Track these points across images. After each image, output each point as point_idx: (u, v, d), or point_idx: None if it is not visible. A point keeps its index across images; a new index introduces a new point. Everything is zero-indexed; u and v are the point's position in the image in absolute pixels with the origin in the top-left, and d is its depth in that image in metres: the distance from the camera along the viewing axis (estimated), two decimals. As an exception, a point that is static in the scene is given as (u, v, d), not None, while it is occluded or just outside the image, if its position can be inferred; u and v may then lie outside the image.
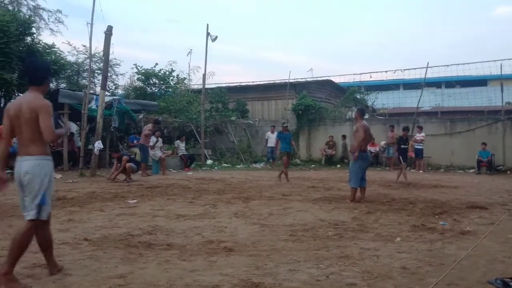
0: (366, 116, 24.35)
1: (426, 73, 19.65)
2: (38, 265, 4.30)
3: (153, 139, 16.32)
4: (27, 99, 3.94)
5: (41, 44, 17.25)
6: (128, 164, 12.42)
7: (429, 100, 25.96)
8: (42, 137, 3.83)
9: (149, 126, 15.50)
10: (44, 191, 3.88)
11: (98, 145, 13.55)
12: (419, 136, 17.21)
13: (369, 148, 19.22)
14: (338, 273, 4.18)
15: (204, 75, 20.42)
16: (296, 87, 22.71)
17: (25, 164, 3.85)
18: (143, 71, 24.45)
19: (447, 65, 20.86)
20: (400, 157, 13.36)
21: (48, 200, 3.95)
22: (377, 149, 19.42)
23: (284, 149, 13.26)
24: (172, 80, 25.12)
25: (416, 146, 17.19)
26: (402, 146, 13.73)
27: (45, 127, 3.79)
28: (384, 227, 6.38)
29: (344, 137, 20.06)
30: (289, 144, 13.41)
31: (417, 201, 8.80)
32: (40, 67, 4.16)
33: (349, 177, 9.06)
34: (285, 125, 14.10)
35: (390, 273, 4.18)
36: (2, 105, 16.89)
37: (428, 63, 19.54)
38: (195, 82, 26.46)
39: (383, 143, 18.62)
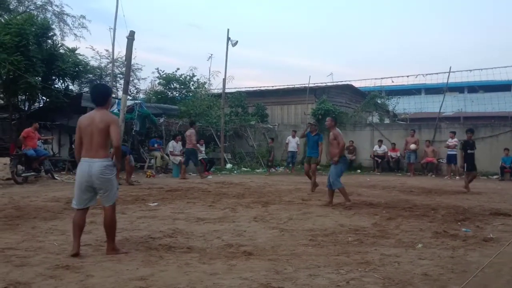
0: (387, 121, 24.27)
1: (448, 77, 19.41)
2: (61, 266, 4.36)
3: (173, 143, 16.48)
4: (98, 115, 4.87)
5: (63, 48, 17.52)
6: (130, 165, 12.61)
7: (451, 105, 25.58)
8: (108, 144, 4.83)
9: (192, 130, 15.71)
10: (112, 182, 4.91)
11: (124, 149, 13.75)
12: (451, 141, 16.92)
13: (390, 153, 19.19)
14: (358, 278, 4.15)
15: (224, 79, 20.54)
16: (315, 91, 22.66)
17: (95, 165, 4.75)
18: (164, 75, 24.73)
19: (470, 70, 20.41)
20: (465, 164, 12.18)
21: (116, 195, 5.02)
22: (398, 155, 19.23)
23: (308, 154, 11.88)
24: (192, 84, 25.33)
25: (448, 152, 16.93)
26: (469, 151, 12.18)
27: (115, 135, 4.80)
28: (406, 233, 6.31)
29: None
30: (315, 148, 11.47)
31: (439, 207, 8.68)
32: (102, 92, 5.20)
33: (328, 182, 9.13)
34: (313, 124, 12.01)
35: (412, 280, 4.13)
36: (26, 108, 17.28)
37: (450, 67, 19.37)
38: (215, 87, 26.66)
39: (413, 146, 18.29)
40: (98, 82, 20.67)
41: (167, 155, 16.66)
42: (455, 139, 16.89)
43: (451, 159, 16.89)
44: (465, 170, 12.33)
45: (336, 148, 9.11)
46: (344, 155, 9.40)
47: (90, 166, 4.74)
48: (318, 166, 15.76)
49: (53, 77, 16.75)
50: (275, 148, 20.35)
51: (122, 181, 11.86)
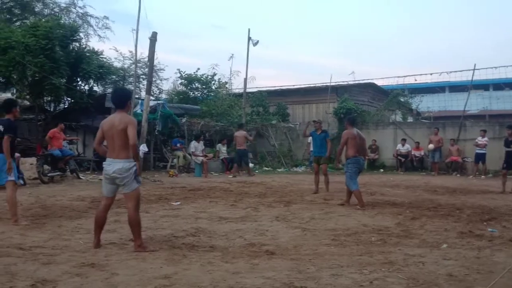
0: (410, 120, 23.95)
1: (473, 75, 19.05)
2: (86, 264, 4.44)
3: (195, 143, 16.60)
4: (118, 117, 5.17)
5: (89, 50, 17.79)
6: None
7: (476, 103, 25.06)
8: (127, 145, 5.06)
9: (242, 132, 16.56)
10: (133, 181, 5.14)
11: (143, 148, 13.84)
12: (481, 140, 16.57)
13: (413, 152, 18.94)
14: (382, 279, 4.11)
15: (245, 79, 20.58)
16: (337, 90, 22.49)
17: (117, 165, 5.06)
18: (186, 76, 24.91)
19: (495, 67, 20.00)
20: (505, 164, 11.76)
21: (135, 186, 5.19)
22: (422, 153, 18.94)
23: (315, 153, 11.63)
24: (213, 84, 25.45)
25: (477, 151, 16.60)
26: (507, 149, 11.71)
27: (131, 135, 5.02)
28: (430, 233, 6.23)
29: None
30: (322, 146, 11.12)
31: (464, 207, 8.54)
32: (122, 95, 5.50)
33: (346, 182, 8.97)
34: (318, 122, 11.71)
35: (436, 280, 4.08)
36: (52, 109, 17.62)
37: (475, 65, 18.97)
38: (236, 86, 26.71)
39: (430, 146, 18.05)
40: (121, 83, 20.98)
41: (189, 154, 16.78)
42: (486, 138, 16.54)
43: (480, 158, 16.54)
44: (503, 168, 11.87)
45: (348, 148, 8.92)
46: (356, 156, 8.91)
47: (112, 166, 5.10)
48: (341, 166, 15.51)
49: (78, 79, 17.02)
50: (296, 147, 20.32)
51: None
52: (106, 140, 5.27)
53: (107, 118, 5.40)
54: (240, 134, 16.59)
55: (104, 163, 5.25)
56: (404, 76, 21.67)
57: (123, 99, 5.39)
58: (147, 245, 5.21)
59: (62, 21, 17.52)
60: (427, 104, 25.52)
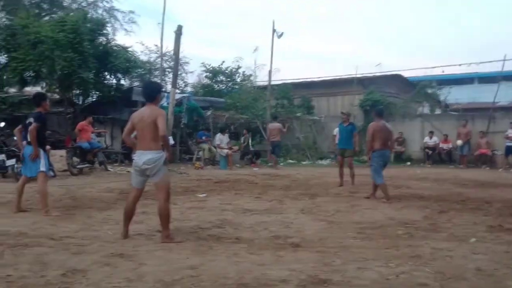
0: (438, 112, 23.50)
1: (503, 65, 18.60)
2: (115, 255, 4.54)
3: (220, 136, 16.69)
4: (148, 110, 5.26)
5: (116, 44, 18.02)
6: None
7: (506, 94, 24.35)
8: (157, 136, 5.12)
9: (276, 124, 17.03)
10: (163, 171, 5.23)
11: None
12: (511, 132, 16.23)
13: (441, 145, 18.61)
14: (408, 272, 4.08)
15: (270, 71, 20.51)
16: (363, 82, 22.25)
17: (146, 156, 5.13)
18: (210, 68, 25.00)
19: (527, 57, 19.43)
20: None
21: (165, 171, 5.28)
22: (450, 146, 18.60)
23: (340, 145, 11.37)
24: (238, 77, 25.48)
25: (507, 144, 16.24)
26: None
27: (161, 126, 5.07)
28: (458, 227, 6.13)
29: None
30: (348, 139, 11.04)
31: (493, 201, 8.36)
32: (152, 89, 5.58)
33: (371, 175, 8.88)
34: (345, 114, 11.49)
35: (464, 274, 4.02)
36: (80, 102, 17.95)
37: (505, 55, 18.48)
38: (261, 79, 26.67)
39: (459, 142, 17.72)
40: (148, 77, 21.21)
41: (215, 147, 16.89)
42: None
43: (510, 150, 16.16)
44: None
45: (374, 141, 8.79)
46: (381, 148, 8.75)
47: (142, 157, 5.17)
48: (366, 158, 15.28)
49: (106, 73, 17.27)
50: (321, 140, 20.21)
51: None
52: (136, 132, 5.35)
53: (137, 111, 5.52)
54: (273, 126, 16.91)
55: (133, 155, 5.35)
56: (432, 67, 21.29)
57: (153, 92, 5.48)
58: (174, 236, 5.27)
59: (88, 15, 17.72)
60: (455, 96, 24.98)
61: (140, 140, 5.28)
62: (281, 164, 18.12)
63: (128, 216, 5.38)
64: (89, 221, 6.32)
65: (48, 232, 5.57)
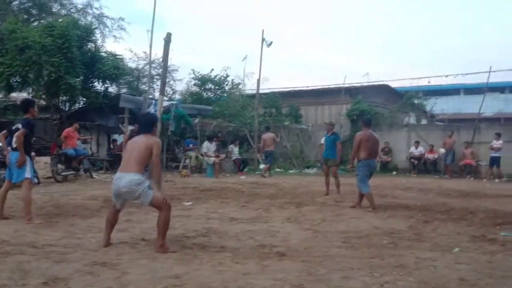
0: (424, 122, 23.74)
1: (488, 77, 18.85)
2: (98, 263, 4.48)
3: (207, 144, 16.65)
4: (144, 137, 5.28)
5: (105, 51, 17.94)
6: None
7: (491, 105, 24.78)
8: (144, 162, 5.16)
9: (270, 134, 17.18)
10: (150, 195, 5.09)
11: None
12: (496, 143, 16.40)
13: (427, 155, 18.78)
14: (392, 282, 4.09)
15: (259, 80, 20.58)
16: (351, 92, 22.39)
17: (127, 177, 5.03)
18: (199, 76, 25.01)
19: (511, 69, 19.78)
20: None
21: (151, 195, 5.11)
22: (436, 156, 18.78)
23: (324, 155, 11.33)
24: (227, 85, 25.52)
25: (492, 154, 16.42)
26: None
27: (155, 153, 5.12)
28: (442, 236, 6.18)
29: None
30: (332, 148, 11.03)
31: (477, 211, 8.43)
32: (149, 120, 5.62)
33: (357, 184, 8.93)
34: (329, 124, 11.49)
35: (448, 284, 4.04)
36: (67, 109, 17.79)
37: (491, 67, 18.73)
38: (249, 87, 26.72)
39: (442, 150, 17.93)
40: (135, 84, 21.15)
41: (202, 155, 16.85)
42: (500, 141, 16.35)
43: (494, 161, 16.35)
44: None
45: (360, 151, 8.83)
46: (367, 158, 8.79)
47: (121, 180, 5.07)
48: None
49: (93, 79, 17.17)
50: (308, 149, 20.27)
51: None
52: (125, 151, 5.38)
53: (133, 138, 5.57)
54: (268, 136, 17.05)
55: (114, 178, 5.27)
56: (419, 78, 21.45)
57: (149, 123, 5.51)
58: (169, 246, 5.20)
59: (78, 22, 17.61)
60: (441, 106, 25.30)
61: (125, 161, 5.22)
62: (268, 172, 18.10)
63: (111, 224, 5.34)
64: (72, 229, 6.25)
65: (30, 240, 5.49)
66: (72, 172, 12.98)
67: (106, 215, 5.45)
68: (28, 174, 6.75)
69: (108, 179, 13.38)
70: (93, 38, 17.51)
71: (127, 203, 5.49)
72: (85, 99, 17.43)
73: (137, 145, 5.21)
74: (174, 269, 4.36)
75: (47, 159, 12.65)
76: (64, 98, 17.11)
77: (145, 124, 5.52)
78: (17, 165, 6.71)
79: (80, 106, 18.15)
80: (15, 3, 23.01)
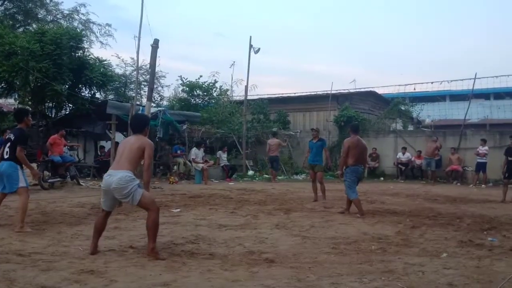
0: (411, 128, 23.96)
1: (474, 84, 19.05)
2: (85, 271, 4.44)
3: (195, 150, 16.61)
4: (134, 137, 5.34)
5: (92, 58, 17.82)
6: None
7: (477, 112, 25.03)
8: (135, 162, 5.21)
9: (275, 140, 17.69)
10: (139, 193, 5.07)
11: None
12: (482, 149, 16.55)
13: (414, 160, 18.89)
14: (381, 287, 4.10)
15: (246, 86, 20.63)
16: (338, 98, 22.51)
17: (118, 175, 5.02)
18: (187, 82, 24.97)
19: (496, 76, 19.95)
20: (506, 173, 11.70)
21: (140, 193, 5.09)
22: (422, 162, 18.88)
23: (310, 161, 11.25)
24: (215, 91, 25.51)
25: (478, 160, 16.58)
26: (510, 159, 11.68)
27: (147, 155, 5.17)
28: (430, 242, 6.22)
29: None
30: (318, 154, 11.08)
31: (464, 216, 8.52)
32: (141, 121, 5.67)
33: (345, 190, 8.98)
34: (315, 130, 11.58)
35: (436, 290, 4.07)
36: (53, 115, 17.64)
37: (476, 74, 18.94)
38: (238, 94, 26.75)
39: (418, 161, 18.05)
40: (123, 90, 21.01)
41: (190, 161, 16.80)
42: (486, 147, 16.52)
43: (481, 167, 16.50)
44: (505, 178, 11.82)
45: (348, 157, 8.87)
46: (355, 164, 8.85)
47: (112, 177, 5.06)
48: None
49: (81, 85, 17.04)
50: (296, 155, 20.32)
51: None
52: (117, 151, 5.36)
53: (126, 138, 5.65)
54: (273, 141, 17.51)
55: (104, 175, 5.24)
56: (405, 85, 21.59)
57: (141, 124, 5.53)
58: (159, 252, 5.16)
59: (73, 30, 17.44)
60: (427, 112, 25.54)
61: (116, 160, 5.24)
62: (256, 179, 18.13)
63: (99, 231, 5.30)
64: (59, 237, 6.17)
65: (16, 248, 5.42)
66: (58, 179, 12.85)
67: (94, 221, 5.42)
68: (22, 183, 6.66)
69: (95, 186, 13.28)
70: (81, 44, 17.40)
71: (115, 206, 5.45)
72: (71, 106, 17.29)
73: (128, 144, 5.23)
74: (163, 277, 4.33)
75: (33, 166, 12.46)
76: (51, 104, 16.97)
77: (137, 124, 5.55)
78: (12, 177, 6.63)
79: (67, 112, 18.01)
80: (0, 8, 22.81)
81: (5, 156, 6.69)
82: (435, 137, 18.26)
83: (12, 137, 6.73)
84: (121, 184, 4.97)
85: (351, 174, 8.84)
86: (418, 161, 18.90)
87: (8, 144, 6.69)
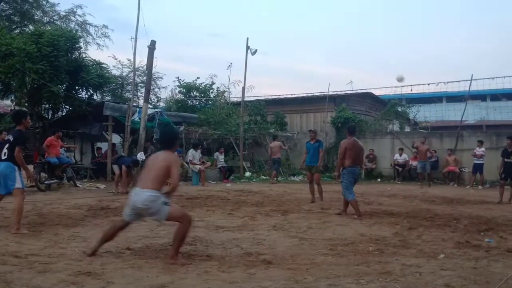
0: (407, 129, 24.02)
1: (470, 85, 19.09)
2: (82, 273, 4.42)
3: (192, 152, 16.59)
4: (163, 154, 5.25)
5: (88, 59, 17.78)
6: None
7: (473, 113, 25.09)
8: (162, 181, 5.09)
9: (277, 142, 18.20)
10: (166, 210, 5.03)
11: (140, 156, 13.82)
12: (479, 150, 16.58)
13: (411, 162, 18.91)
14: (379, 289, 4.10)
15: (243, 88, 20.62)
16: (335, 99, 22.53)
17: (144, 195, 4.96)
18: (184, 84, 24.95)
19: (492, 78, 19.96)
20: (503, 174, 11.72)
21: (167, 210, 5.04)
22: (417, 165, 18.87)
23: (307, 162, 11.27)
24: (212, 93, 25.51)
25: (475, 161, 16.59)
26: (507, 160, 11.68)
27: (175, 175, 5.11)
28: (427, 243, 6.23)
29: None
30: (315, 156, 11.05)
31: (461, 217, 8.53)
32: (171, 137, 5.62)
33: (342, 191, 8.99)
34: (312, 131, 11.62)
35: (433, 291, 4.07)
36: (49, 117, 17.59)
37: (472, 75, 18.97)
38: (235, 95, 26.73)
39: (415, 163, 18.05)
40: (119, 91, 20.97)
41: (187, 163, 16.77)
42: (483, 148, 16.54)
43: (477, 168, 16.52)
44: (501, 179, 11.83)
45: (345, 158, 8.87)
46: (352, 166, 8.87)
47: (139, 196, 5.00)
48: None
49: (77, 87, 17.00)
50: (293, 156, 20.35)
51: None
52: (144, 168, 5.30)
53: (155, 153, 5.59)
54: (275, 144, 18.12)
55: (131, 192, 5.19)
56: (402, 86, 21.63)
57: (169, 140, 5.48)
58: (180, 258, 5.07)
59: (69, 32, 17.39)
60: (424, 114, 25.58)
61: (143, 177, 5.17)
62: (254, 180, 18.13)
63: (107, 239, 5.27)
64: (55, 238, 6.15)
65: (13, 249, 5.40)
66: (55, 180, 12.82)
67: (108, 229, 5.35)
68: (19, 184, 6.65)
69: (92, 188, 13.26)
70: (78, 46, 17.36)
71: (138, 220, 5.40)
72: (68, 107, 17.25)
73: (156, 161, 5.18)
74: (160, 278, 4.32)
75: (29, 167, 12.43)
76: (47, 106, 16.91)
77: (166, 140, 5.49)
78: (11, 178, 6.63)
79: (63, 114, 17.96)
80: (-4, 10, 22.78)
81: (3, 157, 6.69)
82: (423, 138, 18.17)
83: (10, 138, 6.77)
84: (147, 205, 4.94)
85: (348, 175, 8.86)
86: (414, 163, 18.90)
87: (7, 145, 6.71)
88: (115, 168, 12.73)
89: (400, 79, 10.30)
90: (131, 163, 12.42)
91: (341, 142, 9.36)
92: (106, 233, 5.30)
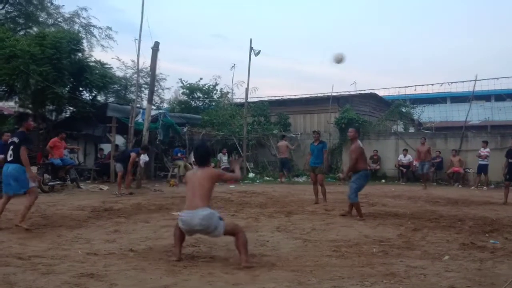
0: (412, 130, 23.96)
1: (474, 86, 19.04)
2: (85, 275, 4.41)
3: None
4: (202, 171, 5.31)
5: (92, 60, 17.79)
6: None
7: (477, 113, 24.99)
8: (209, 195, 5.19)
9: (284, 142, 18.43)
10: (222, 226, 5.11)
11: (144, 157, 13.83)
12: (483, 151, 16.50)
13: (415, 163, 18.82)
14: (383, 291, 4.08)
15: (247, 89, 20.61)
16: (339, 100, 22.50)
17: (199, 214, 4.98)
18: (188, 85, 24.98)
19: (497, 78, 19.89)
20: (507, 175, 11.58)
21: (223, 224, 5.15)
22: (417, 166, 18.80)
23: (311, 163, 11.21)
24: (215, 94, 25.50)
25: (480, 162, 16.51)
26: (511, 161, 11.51)
27: (229, 175, 5.89)
28: (432, 244, 6.19)
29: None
30: (319, 157, 11.03)
31: (466, 218, 8.49)
32: (205, 154, 5.59)
33: (349, 192, 8.82)
34: (316, 132, 11.60)
35: (438, 293, 4.04)
36: (53, 118, 17.63)
37: (476, 75, 18.96)
38: (238, 96, 26.75)
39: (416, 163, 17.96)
40: (123, 93, 21.00)
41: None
42: (487, 149, 16.45)
43: (482, 169, 16.44)
44: (506, 179, 11.74)
45: (352, 161, 8.77)
46: (366, 169, 8.85)
47: (194, 216, 5.01)
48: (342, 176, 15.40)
49: (81, 88, 17.03)
50: (297, 157, 20.32)
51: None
52: (187, 189, 5.31)
53: (191, 171, 5.81)
54: (282, 144, 18.30)
55: (182, 215, 5.16)
56: (406, 87, 21.59)
57: (205, 157, 5.54)
58: (251, 259, 5.10)
59: (71, 34, 17.42)
60: (428, 114, 25.49)
61: (189, 197, 5.17)
62: (257, 181, 18.11)
63: (179, 239, 5.28)
64: (59, 240, 6.15)
65: (16, 251, 5.40)
66: (59, 182, 12.84)
67: (173, 231, 5.37)
68: (32, 183, 6.96)
69: (96, 189, 13.27)
70: (81, 47, 17.38)
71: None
72: (72, 108, 17.27)
73: (197, 179, 5.20)
74: (163, 280, 4.30)
75: (33, 169, 12.45)
76: (51, 107, 16.94)
77: (201, 156, 5.53)
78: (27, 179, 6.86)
79: (67, 115, 17.99)
80: (1, 12, 22.82)
81: (9, 159, 6.82)
82: (423, 139, 18.06)
83: (16, 140, 6.89)
84: (204, 225, 4.97)
85: (364, 179, 8.78)
86: (417, 164, 18.79)
87: (12, 147, 6.83)
88: (118, 167, 12.71)
89: (339, 60, 9.94)
90: (140, 150, 12.76)
91: (357, 144, 8.86)
92: (176, 235, 5.28)
